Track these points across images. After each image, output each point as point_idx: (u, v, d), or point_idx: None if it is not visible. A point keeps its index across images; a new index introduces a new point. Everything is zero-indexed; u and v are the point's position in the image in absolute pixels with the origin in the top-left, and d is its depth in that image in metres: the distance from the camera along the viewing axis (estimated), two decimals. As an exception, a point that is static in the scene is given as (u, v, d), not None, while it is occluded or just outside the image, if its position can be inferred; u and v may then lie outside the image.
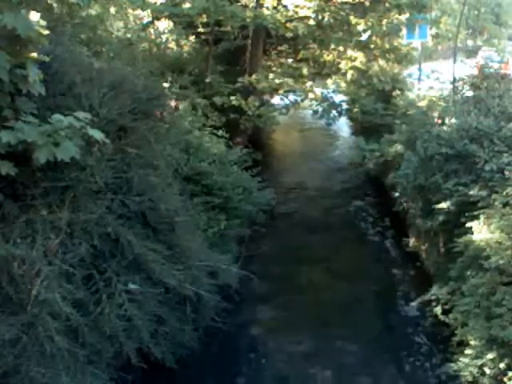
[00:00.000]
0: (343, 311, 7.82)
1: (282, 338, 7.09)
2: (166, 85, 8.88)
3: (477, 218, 6.49)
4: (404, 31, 14.34)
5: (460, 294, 6.16)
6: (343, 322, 7.45)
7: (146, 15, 14.66)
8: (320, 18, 14.04)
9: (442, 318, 6.53)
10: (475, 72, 10.56)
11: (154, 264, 4.92)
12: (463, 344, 5.79)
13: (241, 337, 7.12)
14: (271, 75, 14.62)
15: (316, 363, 6.57)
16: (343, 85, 16.00)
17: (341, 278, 8.77)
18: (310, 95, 14.69)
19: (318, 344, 7.00)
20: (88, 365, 4.32)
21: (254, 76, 13.63)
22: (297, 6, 13.93)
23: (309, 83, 15.26)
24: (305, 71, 16.09)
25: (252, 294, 7.82)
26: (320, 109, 14.47)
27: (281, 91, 15.40)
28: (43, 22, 4.13)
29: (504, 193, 6.26)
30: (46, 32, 4.19)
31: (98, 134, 4.34)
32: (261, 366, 6.64)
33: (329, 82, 16.09)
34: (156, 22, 14.80)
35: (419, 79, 14.43)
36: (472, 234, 6.40)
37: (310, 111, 15.51)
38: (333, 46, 15.29)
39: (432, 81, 13.10)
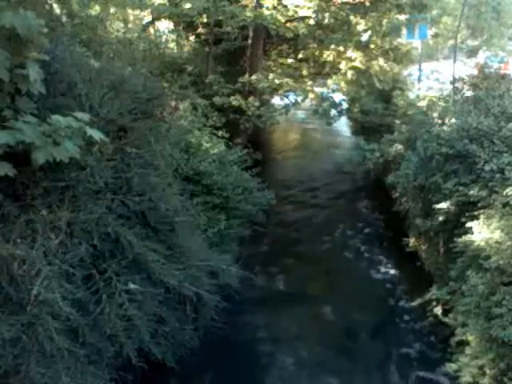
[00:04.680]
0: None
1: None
2: (165, 85, 8.89)
3: (477, 218, 6.50)
4: (404, 31, 14.34)
5: (460, 294, 6.16)
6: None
7: (145, 15, 14.67)
8: (320, 17, 14.02)
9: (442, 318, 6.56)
10: (475, 72, 10.55)
11: (154, 264, 4.92)
12: (463, 344, 5.81)
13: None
14: (271, 75, 14.61)
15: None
16: (343, 84, 16.00)
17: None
18: (310, 95, 14.69)
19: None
20: (88, 365, 4.32)
21: (254, 76, 13.63)
22: (297, 6, 13.91)
23: (309, 83, 15.25)
24: (305, 71, 16.09)
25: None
26: (320, 109, 14.47)
27: (281, 91, 15.40)
28: (42, 22, 4.13)
29: (504, 193, 6.26)
30: (46, 31, 4.19)
31: (96, 134, 4.33)
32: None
33: (329, 81, 16.09)
34: (156, 22, 14.82)
35: (419, 79, 14.43)
36: (472, 234, 6.41)
37: (310, 111, 15.52)
38: (333, 46, 15.27)
39: (432, 81, 13.09)
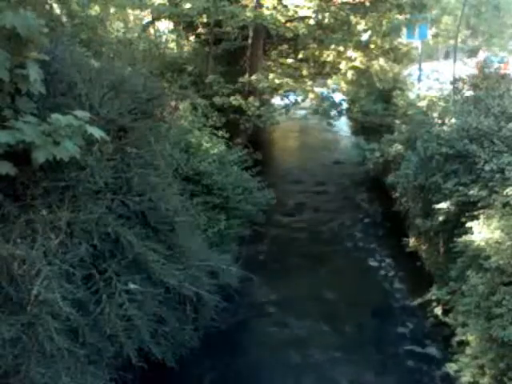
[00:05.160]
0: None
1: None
2: (165, 85, 8.89)
3: (477, 218, 6.50)
4: (404, 31, 14.35)
5: (460, 294, 6.16)
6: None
7: (145, 15, 14.68)
8: (320, 17, 14.03)
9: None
10: (475, 72, 10.55)
11: (154, 264, 4.92)
12: (464, 344, 5.81)
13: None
14: (271, 75, 14.62)
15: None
16: (343, 84, 16.01)
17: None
18: (310, 95, 14.69)
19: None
20: (88, 365, 4.31)
21: (254, 76, 13.64)
22: (297, 6, 13.93)
23: (309, 83, 15.26)
24: (305, 71, 16.10)
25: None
26: (320, 109, 14.47)
27: (281, 91, 15.41)
28: (42, 22, 4.13)
29: (504, 193, 6.26)
30: (46, 31, 4.19)
31: (97, 132, 4.33)
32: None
33: (329, 81, 16.11)
34: (156, 22, 14.82)
35: (419, 79, 14.43)
36: (472, 233, 6.41)
37: (310, 110, 15.51)
38: (333, 46, 15.28)
39: (432, 81, 13.09)
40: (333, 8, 13.93)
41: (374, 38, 14.67)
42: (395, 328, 7.48)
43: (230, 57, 15.14)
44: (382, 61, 15.17)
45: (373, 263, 9.58)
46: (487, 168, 6.87)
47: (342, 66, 16.10)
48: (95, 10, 10.85)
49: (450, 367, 5.73)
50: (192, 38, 15.67)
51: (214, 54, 14.29)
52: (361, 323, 7.54)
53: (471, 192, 6.89)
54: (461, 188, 7.10)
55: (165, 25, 15.30)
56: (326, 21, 14.07)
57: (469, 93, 9.55)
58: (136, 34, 13.24)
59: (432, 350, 6.85)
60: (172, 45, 15.23)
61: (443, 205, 7.38)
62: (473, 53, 19.30)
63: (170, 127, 7.08)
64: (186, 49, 15.58)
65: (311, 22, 14.16)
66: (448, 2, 18.93)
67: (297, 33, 14.23)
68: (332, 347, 7.00)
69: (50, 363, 3.93)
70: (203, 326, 5.96)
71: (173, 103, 9.32)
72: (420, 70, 14.79)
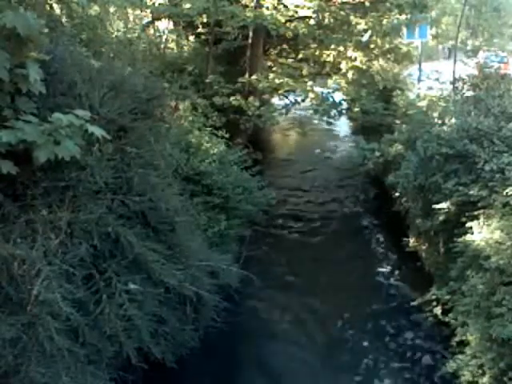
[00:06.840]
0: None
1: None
2: (166, 85, 8.88)
3: (477, 218, 6.50)
4: (404, 31, 14.35)
5: (460, 293, 6.17)
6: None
7: (145, 15, 14.69)
8: (320, 17, 14.04)
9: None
10: (475, 72, 10.55)
11: (154, 264, 4.92)
12: (463, 344, 5.81)
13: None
14: (271, 75, 14.63)
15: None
16: (343, 84, 16.00)
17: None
18: (310, 95, 14.70)
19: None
20: (88, 365, 4.31)
21: (254, 76, 13.64)
22: (297, 6, 13.93)
23: (309, 83, 15.27)
24: (305, 71, 16.10)
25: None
26: (320, 108, 14.46)
27: (281, 91, 15.41)
28: (42, 22, 4.13)
29: (504, 193, 6.26)
30: (46, 31, 4.19)
31: (98, 131, 4.34)
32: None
33: (329, 81, 16.10)
34: (156, 22, 14.83)
35: (419, 79, 14.43)
36: (472, 233, 6.41)
37: (310, 111, 15.49)
38: (333, 46, 15.29)
39: (432, 81, 13.09)
40: (333, 8, 13.94)
41: (374, 38, 14.66)
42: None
43: (230, 57, 15.14)
44: (382, 61, 15.17)
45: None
46: (487, 168, 6.87)
47: (342, 65, 16.08)
48: (95, 9, 10.85)
49: (450, 367, 5.73)
50: (192, 38, 15.68)
51: (214, 54, 14.29)
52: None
53: (471, 192, 6.89)
54: (461, 188, 7.10)
55: (165, 25, 15.30)
56: (326, 21, 14.09)
57: (469, 93, 9.55)
58: (136, 34, 13.24)
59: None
60: (172, 45, 15.23)
61: (443, 205, 7.38)
62: (473, 53, 19.30)
63: (170, 127, 7.08)
64: (186, 49, 15.59)
65: (311, 22, 14.16)
66: (448, 2, 18.95)
67: (297, 33, 14.24)
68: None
69: (50, 363, 3.93)
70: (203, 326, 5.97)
71: (173, 103, 9.32)
72: (420, 70, 14.80)
